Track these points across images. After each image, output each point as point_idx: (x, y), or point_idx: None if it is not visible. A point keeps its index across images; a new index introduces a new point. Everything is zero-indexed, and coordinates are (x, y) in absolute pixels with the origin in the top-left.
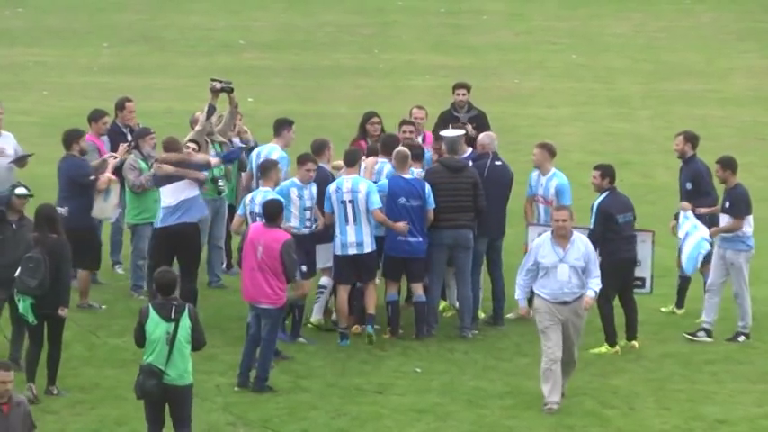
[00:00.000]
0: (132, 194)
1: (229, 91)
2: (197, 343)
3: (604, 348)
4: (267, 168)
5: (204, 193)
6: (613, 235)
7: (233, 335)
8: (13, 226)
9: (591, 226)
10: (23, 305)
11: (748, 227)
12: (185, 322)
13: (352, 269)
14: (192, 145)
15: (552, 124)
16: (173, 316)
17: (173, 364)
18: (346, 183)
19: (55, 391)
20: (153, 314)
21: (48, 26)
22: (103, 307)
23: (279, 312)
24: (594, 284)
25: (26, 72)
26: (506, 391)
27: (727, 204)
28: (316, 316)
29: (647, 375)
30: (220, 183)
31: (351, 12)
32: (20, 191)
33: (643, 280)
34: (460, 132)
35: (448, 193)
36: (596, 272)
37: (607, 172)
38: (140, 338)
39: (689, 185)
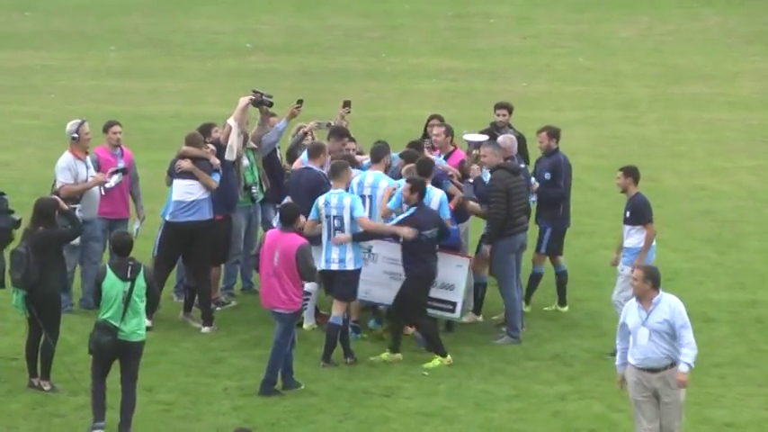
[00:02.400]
0: None
1: (269, 105)
2: (152, 301)
3: (437, 361)
4: (338, 169)
5: (239, 201)
6: (420, 248)
7: (240, 338)
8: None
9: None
10: (16, 297)
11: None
12: (140, 282)
13: None
14: (212, 147)
15: (559, 127)
16: (129, 275)
17: (126, 321)
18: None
19: (47, 387)
20: (110, 273)
21: (55, 29)
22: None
23: (293, 316)
24: (688, 356)
25: (34, 75)
26: (514, 394)
27: (628, 214)
28: (308, 323)
29: None
30: (254, 190)
31: (358, 15)
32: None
33: (454, 305)
34: (485, 137)
35: (518, 196)
36: (689, 338)
37: (417, 186)
38: (97, 297)
39: (548, 175)
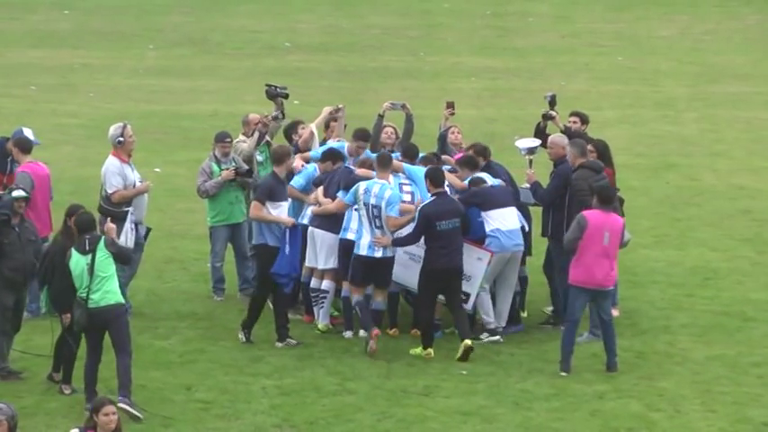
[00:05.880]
0: (208, 197)
1: (284, 97)
2: (121, 260)
3: (419, 350)
4: (385, 161)
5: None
6: (432, 242)
7: None
8: (16, 229)
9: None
10: (44, 293)
11: (497, 223)
12: (102, 252)
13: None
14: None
15: (598, 127)
16: (87, 248)
17: (93, 290)
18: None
19: (67, 391)
20: (73, 253)
21: (94, 28)
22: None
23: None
24: None
25: (72, 74)
26: (552, 393)
27: None
28: (323, 322)
29: (694, 378)
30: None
31: (397, 14)
32: (17, 193)
33: (468, 296)
34: (537, 142)
35: None
36: None
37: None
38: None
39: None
